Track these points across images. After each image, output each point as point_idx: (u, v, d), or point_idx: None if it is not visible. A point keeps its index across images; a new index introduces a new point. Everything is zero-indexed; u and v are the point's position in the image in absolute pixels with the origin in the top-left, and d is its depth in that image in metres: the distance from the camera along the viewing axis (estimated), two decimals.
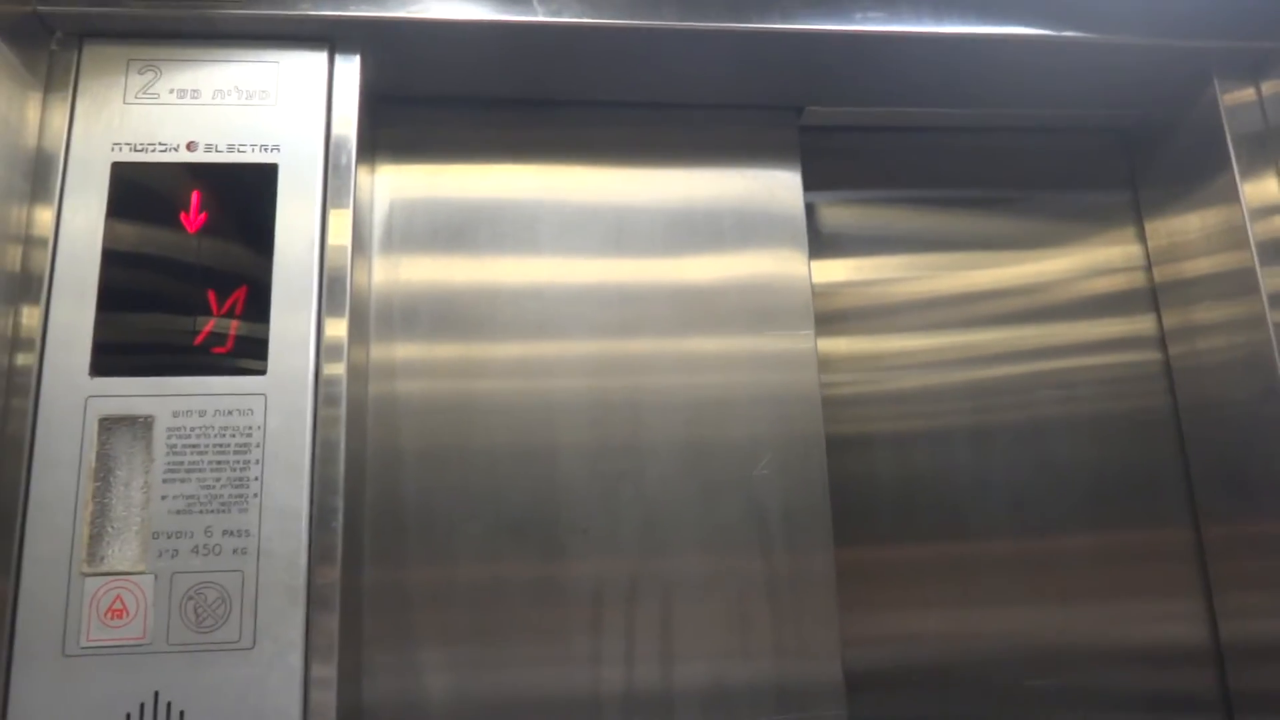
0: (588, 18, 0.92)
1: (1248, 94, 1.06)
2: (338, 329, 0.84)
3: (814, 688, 0.97)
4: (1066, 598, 1.09)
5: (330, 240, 0.86)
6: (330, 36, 0.91)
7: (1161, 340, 1.18)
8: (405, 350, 1.00)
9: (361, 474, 0.93)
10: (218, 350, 0.82)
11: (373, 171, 1.03)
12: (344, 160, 0.88)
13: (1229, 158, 1.05)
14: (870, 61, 1.01)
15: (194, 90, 0.88)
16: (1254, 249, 1.02)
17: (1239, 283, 1.03)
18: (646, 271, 1.05)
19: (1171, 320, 1.17)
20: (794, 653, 0.97)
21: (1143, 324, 1.19)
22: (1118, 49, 1.02)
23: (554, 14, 0.91)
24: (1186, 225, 1.13)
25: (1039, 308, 1.17)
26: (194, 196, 0.85)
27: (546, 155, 1.07)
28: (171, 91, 0.88)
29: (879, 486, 1.10)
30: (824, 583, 0.99)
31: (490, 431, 0.99)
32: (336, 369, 0.83)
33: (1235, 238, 1.04)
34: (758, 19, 0.93)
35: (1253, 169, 1.04)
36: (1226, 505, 1.08)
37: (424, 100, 1.04)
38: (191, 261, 0.84)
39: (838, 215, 1.18)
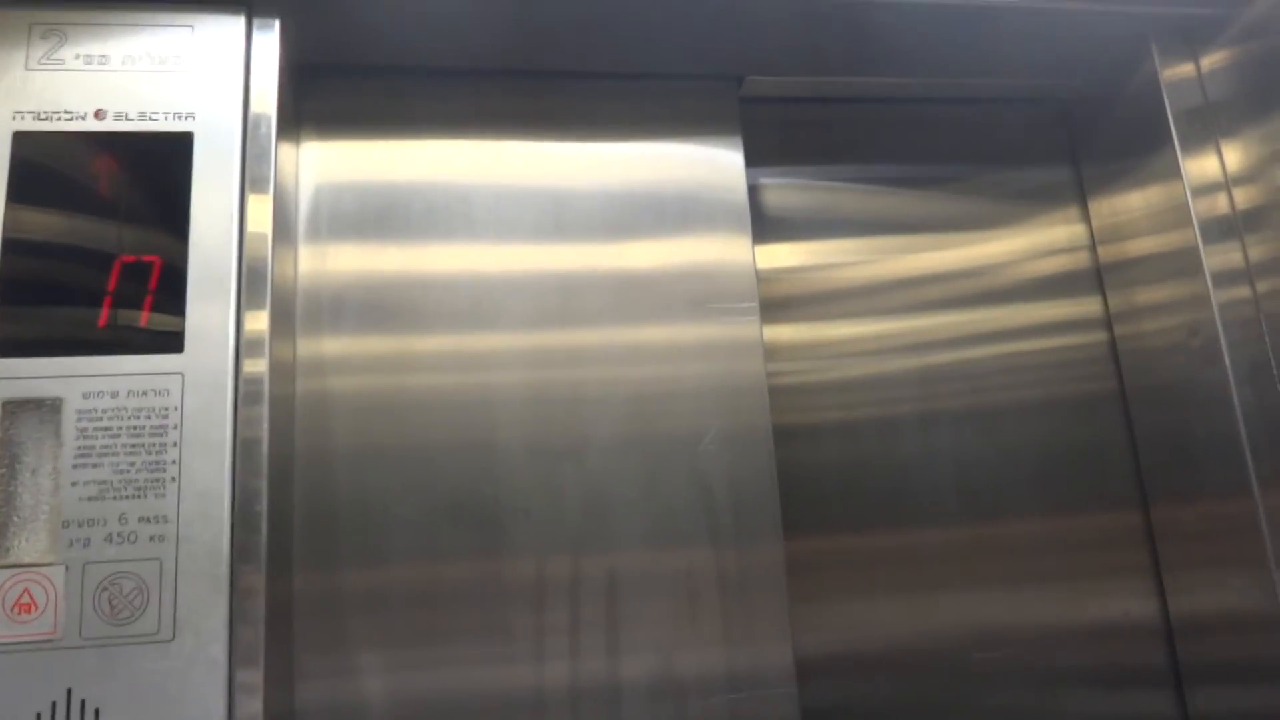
0: None
1: (1187, 67, 1.06)
2: (258, 322, 0.80)
3: (764, 675, 0.96)
4: (1016, 579, 1.09)
5: (250, 227, 0.82)
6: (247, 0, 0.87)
7: (1107, 321, 1.18)
8: (335, 344, 0.96)
9: (289, 472, 0.89)
10: (129, 328, 0.78)
11: (297, 146, 0.99)
12: (263, 132, 0.84)
13: (1170, 133, 1.05)
14: (809, 28, 0.99)
15: (102, 56, 0.83)
16: (1196, 228, 1.02)
17: (1182, 261, 1.03)
18: (586, 257, 1.03)
19: (1116, 301, 1.17)
20: (744, 641, 0.96)
21: (1088, 305, 1.19)
22: (1054, 14, 1.01)
23: None
24: (1129, 204, 1.13)
25: (984, 291, 1.17)
26: (103, 167, 0.81)
27: (480, 129, 1.04)
28: (78, 57, 0.83)
29: (827, 474, 1.09)
30: (774, 571, 0.98)
31: (426, 428, 0.95)
32: (258, 365, 0.79)
33: (1177, 216, 1.04)
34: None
35: (1193, 145, 1.04)
36: (1173, 484, 1.08)
37: (350, 70, 1.01)
38: (100, 236, 0.79)
39: (781, 195, 1.17)
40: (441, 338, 0.98)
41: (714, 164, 1.07)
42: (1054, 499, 1.12)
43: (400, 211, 1.00)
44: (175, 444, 0.76)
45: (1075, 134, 1.24)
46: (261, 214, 0.83)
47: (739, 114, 1.10)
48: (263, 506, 0.77)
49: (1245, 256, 1.00)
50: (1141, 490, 1.13)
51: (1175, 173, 1.04)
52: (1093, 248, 1.21)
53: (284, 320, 0.88)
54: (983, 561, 1.09)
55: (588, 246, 1.03)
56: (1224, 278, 1.00)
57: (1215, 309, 0.99)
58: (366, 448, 0.94)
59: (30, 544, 0.73)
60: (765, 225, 1.13)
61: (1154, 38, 1.06)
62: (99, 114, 0.82)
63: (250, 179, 0.83)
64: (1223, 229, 1.02)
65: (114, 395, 0.76)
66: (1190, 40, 1.06)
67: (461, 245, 1.01)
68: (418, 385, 0.96)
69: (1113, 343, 1.18)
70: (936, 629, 1.07)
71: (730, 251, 1.05)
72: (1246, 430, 0.96)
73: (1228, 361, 0.98)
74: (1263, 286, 0.98)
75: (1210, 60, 1.05)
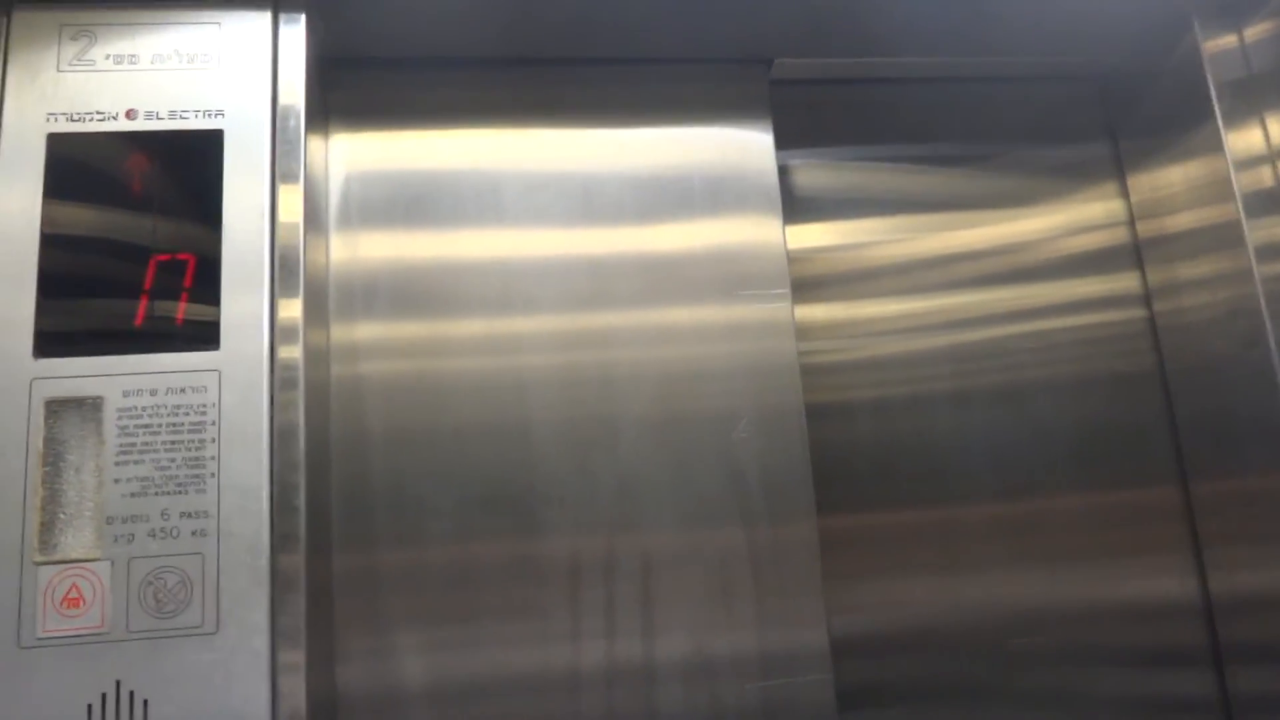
0: None
1: (1229, 39, 1.03)
2: (292, 310, 0.81)
3: (799, 656, 0.95)
4: (1053, 558, 1.08)
5: (281, 217, 0.82)
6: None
7: (1146, 298, 1.16)
8: (368, 330, 0.97)
9: (326, 457, 0.90)
10: (166, 326, 0.79)
11: (326, 138, 0.99)
12: (292, 126, 0.84)
13: (1211, 107, 1.02)
14: (839, 9, 0.97)
15: (131, 55, 0.84)
16: (1239, 201, 0.99)
17: (1224, 236, 1.01)
18: (616, 241, 1.02)
19: (1156, 277, 1.15)
20: (778, 621, 0.96)
21: (1126, 282, 1.17)
22: None
23: None
24: (1169, 178, 1.10)
25: (1019, 268, 1.15)
26: (136, 166, 0.81)
27: (508, 118, 1.04)
28: (108, 58, 0.83)
29: (861, 453, 1.08)
30: (807, 551, 0.97)
31: (459, 410, 0.96)
32: (292, 352, 0.80)
33: (1220, 190, 1.02)
34: None
35: (1236, 118, 1.01)
36: (1213, 460, 1.07)
37: (377, 62, 1.00)
38: (135, 234, 0.80)
39: (812, 176, 1.15)
40: (473, 322, 0.98)
41: (744, 146, 1.06)
42: (1090, 477, 1.10)
43: (430, 199, 1.00)
44: (214, 439, 0.77)
45: (1113, 109, 1.21)
46: (293, 205, 0.83)
47: (768, 96, 1.08)
48: (300, 500, 0.78)
49: None
50: (1180, 468, 1.11)
51: (1218, 146, 1.02)
52: (1131, 223, 1.18)
53: (317, 308, 0.89)
54: (1018, 540, 1.08)
55: (618, 230, 1.02)
56: (1267, 252, 0.97)
57: (1259, 284, 0.97)
58: (401, 429, 0.95)
59: (76, 540, 0.75)
60: (797, 205, 1.12)
61: (1195, 11, 1.03)
62: (130, 114, 0.82)
63: (280, 172, 0.83)
64: (1267, 203, 0.99)
65: (153, 393, 0.77)
66: (1233, 12, 1.03)
67: (491, 231, 1.01)
68: (450, 369, 0.97)
69: (1151, 320, 1.15)
70: (972, 608, 1.06)
71: (761, 233, 1.04)
72: None
73: (1271, 339, 0.95)
74: None
75: (1254, 32, 1.02)
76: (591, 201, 1.03)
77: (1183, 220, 1.09)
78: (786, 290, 1.02)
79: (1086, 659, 1.07)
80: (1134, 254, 1.17)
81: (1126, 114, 1.19)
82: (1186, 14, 1.03)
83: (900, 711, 1.04)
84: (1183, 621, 1.08)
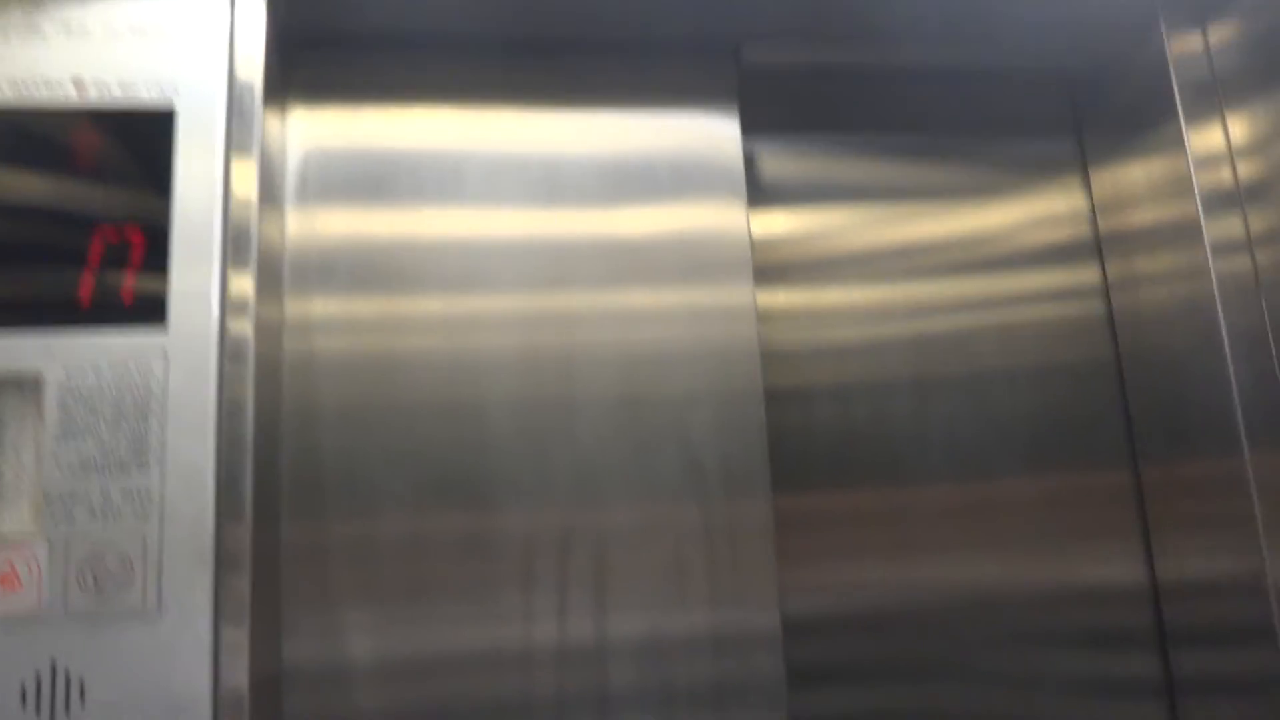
0: None
1: (1194, 40, 1.04)
2: (243, 284, 0.80)
3: (751, 636, 0.96)
4: (1005, 542, 1.09)
5: (235, 191, 0.81)
6: None
7: (1104, 290, 1.17)
8: (324, 305, 0.96)
9: (276, 434, 0.89)
10: (112, 301, 0.77)
11: (284, 115, 0.98)
12: (248, 101, 0.82)
13: (1175, 105, 1.03)
14: None
15: (81, 22, 0.82)
16: (1198, 200, 1.00)
17: (1183, 233, 1.02)
18: (579, 223, 1.02)
19: (1115, 270, 1.16)
20: (731, 602, 0.96)
21: (1085, 274, 1.18)
22: None
23: None
24: (1131, 175, 1.11)
25: (982, 259, 1.16)
26: (84, 139, 0.79)
27: (472, 98, 1.02)
28: (56, 23, 0.81)
29: (819, 438, 1.08)
30: (762, 533, 0.98)
31: (416, 388, 0.95)
32: (242, 325, 0.79)
33: (1180, 188, 1.03)
34: None
35: (1198, 116, 1.02)
36: (1164, 450, 1.08)
37: (338, 38, 0.99)
38: (81, 208, 0.78)
39: (777, 164, 1.15)
40: (432, 300, 0.98)
41: (710, 133, 1.05)
42: (1044, 463, 1.12)
43: (390, 177, 0.99)
44: (159, 419, 0.75)
45: (1078, 105, 1.22)
46: (246, 177, 0.82)
47: (736, 83, 1.08)
48: (247, 480, 0.77)
49: (1247, 228, 0.99)
50: (1133, 456, 1.13)
51: (1179, 144, 1.03)
52: (1093, 218, 1.19)
53: (271, 284, 0.88)
54: (972, 523, 1.09)
55: (582, 213, 1.02)
56: (1223, 248, 0.98)
57: (1214, 279, 0.98)
58: (356, 405, 0.94)
59: (12, 518, 0.73)
60: (762, 192, 1.12)
61: (1162, 10, 1.04)
62: (78, 84, 0.80)
63: (235, 147, 0.82)
64: (1225, 201, 1.00)
65: (97, 370, 0.75)
66: (1198, 13, 1.04)
67: (452, 210, 1.00)
68: (408, 348, 0.96)
69: (1109, 312, 1.17)
70: (925, 590, 1.07)
71: (725, 219, 1.04)
72: (1241, 400, 0.95)
73: (1224, 332, 0.96)
74: (1263, 258, 0.97)
75: (1218, 32, 1.03)
76: (554, 184, 1.02)
77: (1144, 216, 1.10)
78: (749, 275, 1.02)
79: (1036, 640, 1.08)
80: (1094, 248, 1.18)
81: (1092, 110, 1.19)
82: (1153, 12, 1.04)
83: (852, 691, 1.05)
84: (1130, 605, 1.10)
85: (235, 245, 0.80)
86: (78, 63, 0.81)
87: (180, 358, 0.77)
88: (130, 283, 0.77)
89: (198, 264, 0.78)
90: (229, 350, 0.78)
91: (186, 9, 0.84)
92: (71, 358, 0.76)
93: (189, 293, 0.78)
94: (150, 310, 0.77)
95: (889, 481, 1.09)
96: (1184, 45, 1.04)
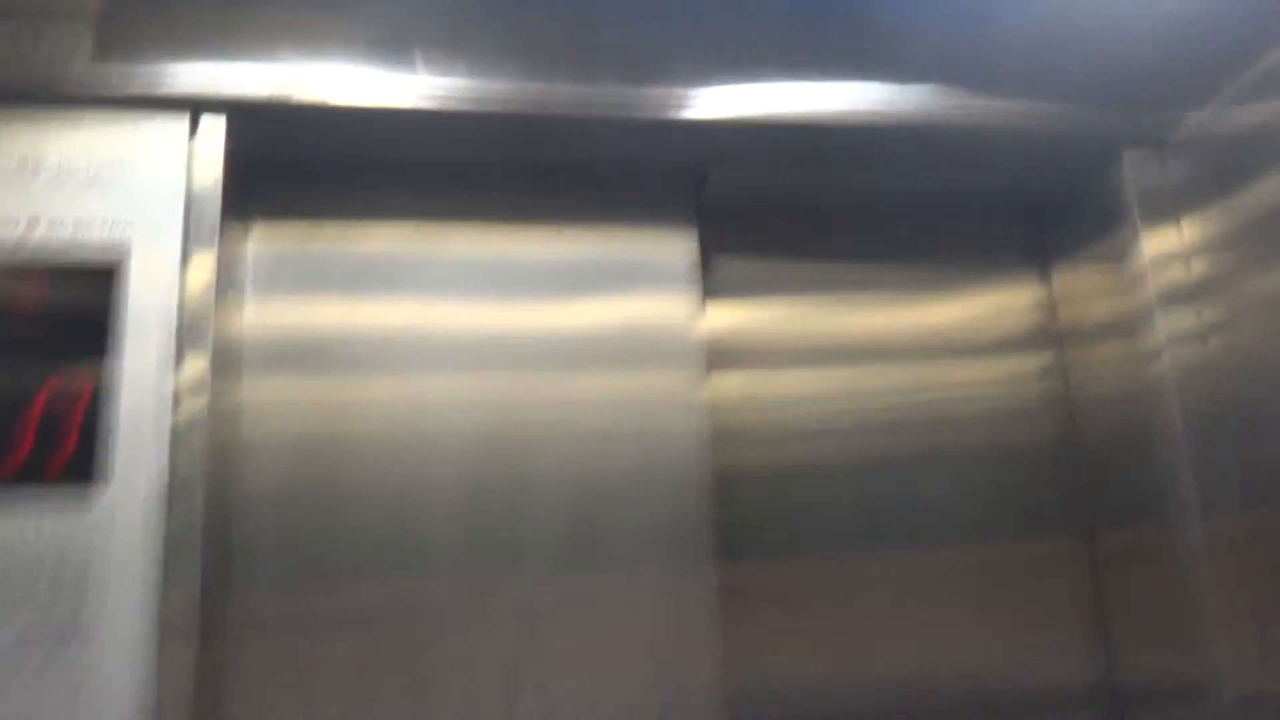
0: (470, 101, 0.87)
1: (1151, 157, 1.07)
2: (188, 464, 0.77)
3: (694, 707, 0.95)
4: (948, 629, 1.09)
5: (185, 369, 0.79)
6: (194, 105, 0.83)
7: (1050, 374, 1.19)
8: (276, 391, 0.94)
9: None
10: (53, 462, 0.73)
11: (245, 238, 0.95)
12: (206, 237, 0.80)
13: (1133, 216, 1.05)
14: (770, 132, 0.98)
15: (37, 159, 0.79)
16: (1153, 292, 1.03)
17: (1137, 323, 1.05)
18: (536, 316, 1.02)
19: (1074, 358, 1.18)
20: (674, 673, 0.95)
21: (1040, 361, 1.20)
22: (1027, 118, 1.01)
23: (437, 91, 0.85)
24: (1091, 272, 1.15)
25: (935, 347, 1.18)
26: (31, 284, 0.76)
27: (431, 218, 1.02)
28: (13, 159, 0.78)
29: (767, 516, 1.08)
30: (706, 612, 0.97)
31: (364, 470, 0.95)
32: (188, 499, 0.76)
33: (1136, 283, 1.05)
34: (652, 100, 0.91)
35: (1153, 223, 1.05)
36: (1115, 524, 1.10)
37: (298, 163, 0.97)
38: (26, 361, 0.75)
39: (736, 269, 1.15)
40: (382, 387, 0.97)
41: (668, 242, 1.06)
42: (993, 542, 1.13)
43: (351, 280, 0.99)
44: (100, 583, 0.71)
45: (1039, 219, 1.24)
46: (197, 369, 0.80)
47: (697, 209, 1.09)
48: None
49: (1200, 319, 1.01)
50: (1086, 543, 1.14)
51: (1136, 246, 1.05)
52: (1051, 309, 1.22)
53: (220, 463, 0.85)
54: (917, 608, 1.09)
55: (539, 307, 1.02)
56: (1176, 339, 1.01)
57: (1163, 365, 1.01)
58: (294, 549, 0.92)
59: None
60: (719, 289, 1.12)
61: (1120, 137, 1.06)
62: (31, 223, 0.77)
63: (186, 306, 0.80)
64: (1179, 295, 1.03)
65: (33, 541, 0.71)
66: (1155, 132, 1.06)
67: (409, 305, 0.99)
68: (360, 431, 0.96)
69: (1060, 395, 1.19)
70: (868, 664, 1.06)
71: (680, 313, 1.04)
72: (1195, 476, 0.97)
73: (1179, 414, 0.99)
74: (1215, 345, 0.99)
75: (1175, 153, 1.06)
76: (513, 282, 1.02)
77: (1100, 308, 1.13)
78: (702, 365, 1.03)
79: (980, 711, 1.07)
80: (1051, 337, 1.21)
81: (1053, 222, 1.22)
82: (1114, 141, 1.06)
83: None
84: (1081, 698, 1.10)
85: (179, 420, 0.77)
86: (33, 200, 0.78)
87: (120, 518, 0.73)
88: (73, 440, 0.73)
89: (141, 420, 0.75)
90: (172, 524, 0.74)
91: (146, 142, 0.81)
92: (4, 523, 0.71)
93: (131, 453, 0.74)
94: (86, 473, 0.73)
95: (835, 565, 1.08)
96: (1141, 162, 1.06)
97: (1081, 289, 1.17)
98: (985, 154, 1.09)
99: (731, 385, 1.10)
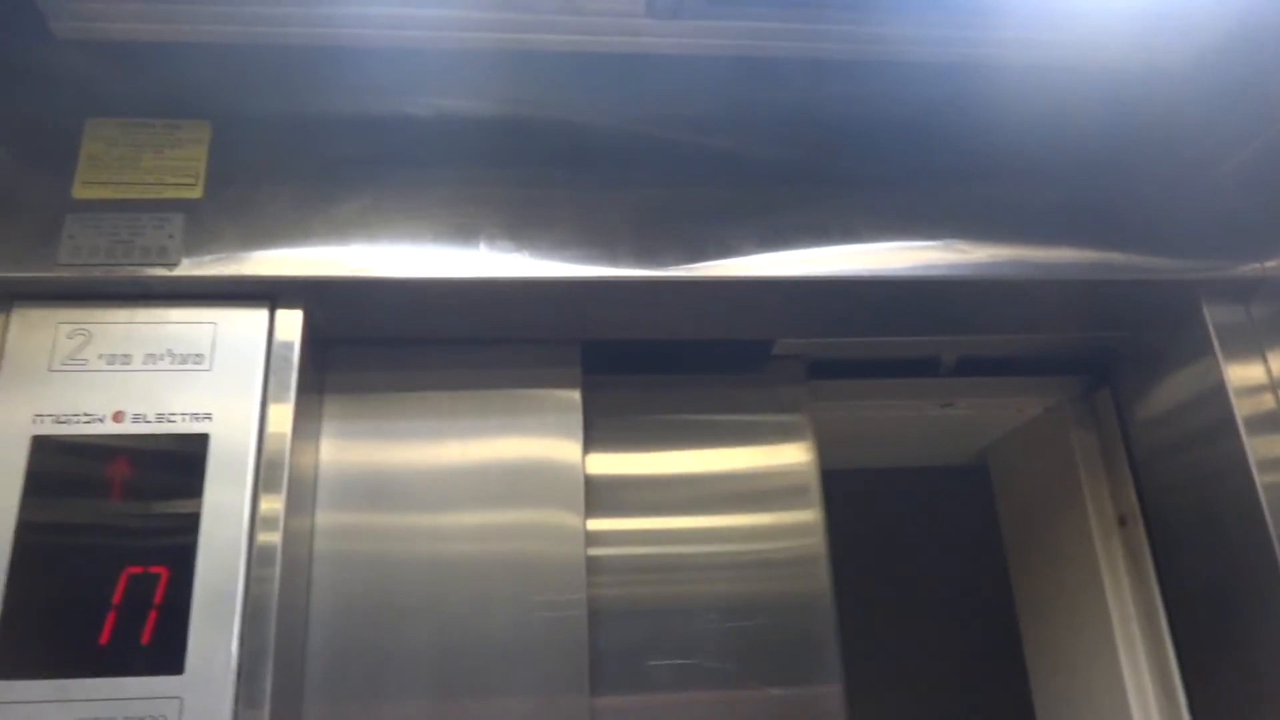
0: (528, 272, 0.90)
1: (1236, 311, 1.03)
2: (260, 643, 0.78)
3: None
4: None
5: (259, 537, 0.80)
6: (271, 295, 0.87)
7: None
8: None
9: None
10: (131, 645, 0.75)
11: (317, 443, 0.97)
12: (278, 434, 0.83)
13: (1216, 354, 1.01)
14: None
15: (125, 356, 0.83)
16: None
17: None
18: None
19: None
20: None
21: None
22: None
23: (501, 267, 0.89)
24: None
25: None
26: (116, 473, 0.80)
27: None
28: (100, 357, 0.83)
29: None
30: None
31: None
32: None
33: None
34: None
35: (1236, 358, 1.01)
36: None
37: (368, 341, 1.00)
38: (109, 545, 0.78)
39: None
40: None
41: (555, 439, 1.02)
42: None
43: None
44: None
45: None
46: (273, 520, 0.81)
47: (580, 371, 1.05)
48: None
49: None
50: None
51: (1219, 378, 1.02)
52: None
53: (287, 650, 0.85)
54: None
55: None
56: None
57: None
58: None
59: None
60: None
61: (1204, 295, 1.03)
62: (118, 416, 0.81)
63: (263, 483, 0.81)
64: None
65: None
66: (1239, 290, 1.03)
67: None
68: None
69: None
70: None
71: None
72: None
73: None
74: None
75: (1258, 305, 1.03)
76: None
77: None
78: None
79: None
80: None
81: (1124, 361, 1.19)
82: (1195, 296, 1.03)
83: None
84: None
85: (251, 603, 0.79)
86: (119, 395, 0.82)
87: (195, 705, 0.74)
88: (151, 625, 0.76)
89: (218, 611, 0.77)
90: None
91: (225, 335, 0.85)
92: (87, 707, 0.73)
93: (207, 639, 0.76)
94: (168, 656, 0.75)
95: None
96: (1224, 316, 1.03)
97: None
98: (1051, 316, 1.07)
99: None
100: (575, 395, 1.02)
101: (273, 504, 0.81)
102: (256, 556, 0.79)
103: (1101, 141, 1.05)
